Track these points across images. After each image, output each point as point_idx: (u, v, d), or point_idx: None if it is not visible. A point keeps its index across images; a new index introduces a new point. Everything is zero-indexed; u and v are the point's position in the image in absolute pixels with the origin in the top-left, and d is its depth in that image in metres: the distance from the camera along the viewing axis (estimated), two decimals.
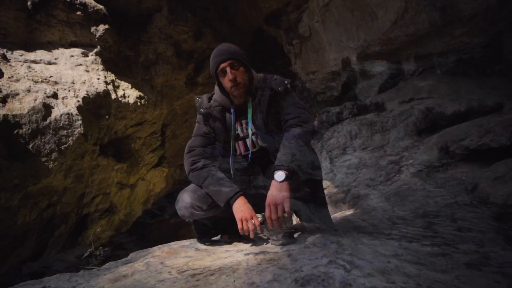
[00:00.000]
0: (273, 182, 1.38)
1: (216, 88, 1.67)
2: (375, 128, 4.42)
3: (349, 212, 2.55)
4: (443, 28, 5.67)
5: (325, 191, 4.03)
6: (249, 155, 1.65)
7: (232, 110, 1.62)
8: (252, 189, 1.63)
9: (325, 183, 4.07)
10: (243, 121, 1.65)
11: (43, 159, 3.55)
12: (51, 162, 3.64)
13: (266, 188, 1.45)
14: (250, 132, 1.63)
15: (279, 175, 1.37)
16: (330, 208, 3.73)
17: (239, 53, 1.59)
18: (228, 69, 1.53)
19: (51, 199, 4.19)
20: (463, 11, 5.35)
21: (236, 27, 9.26)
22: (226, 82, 1.55)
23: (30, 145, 3.43)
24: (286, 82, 1.63)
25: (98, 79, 4.73)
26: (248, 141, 1.65)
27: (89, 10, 4.86)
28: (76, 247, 5.16)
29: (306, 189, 1.48)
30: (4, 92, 3.40)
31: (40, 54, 4.25)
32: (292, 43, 8.36)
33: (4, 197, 3.28)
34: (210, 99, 1.70)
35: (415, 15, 5.75)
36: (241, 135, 1.65)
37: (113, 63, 5.39)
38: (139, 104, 5.55)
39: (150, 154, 6.80)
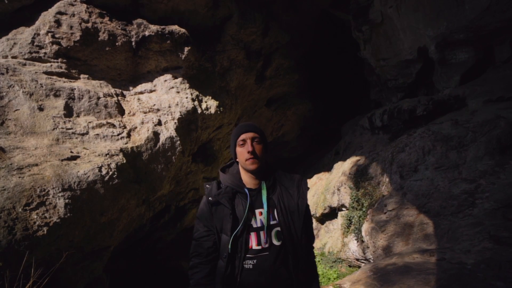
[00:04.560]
0: None
1: (224, 175, 1.63)
2: (451, 144, 4.31)
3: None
4: None
5: (394, 209, 4.28)
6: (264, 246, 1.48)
7: (246, 189, 1.53)
8: None
9: (394, 201, 4.26)
10: (257, 211, 1.51)
11: (157, 177, 4.56)
12: (163, 179, 4.64)
13: None
14: (265, 215, 1.49)
15: None
16: (397, 229, 3.97)
17: (262, 132, 1.60)
18: (249, 141, 1.51)
19: (161, 199, 5.35)
20: None
21: (300, 14, 9.11)
22: (243, 153, 1.51)
23: (149, 168, 4.43)
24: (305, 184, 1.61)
25: (187, 98, 5.51)
26: (262, 234, 1.49)
27: (176, 36, 5.53)
28: None
29: None
30: (128, 128, 4.39)
31: (144, 86, 5.16)
32: (361, 30, 7.96)
33: (136, 207, 4.41)
34: (219, 185, 1.59)
35: None
36: (255, 225, 1.50)
37: (195, 78, 6.11)
38: (218, 112, 6.28)
39: (227, 150, 7.69)
